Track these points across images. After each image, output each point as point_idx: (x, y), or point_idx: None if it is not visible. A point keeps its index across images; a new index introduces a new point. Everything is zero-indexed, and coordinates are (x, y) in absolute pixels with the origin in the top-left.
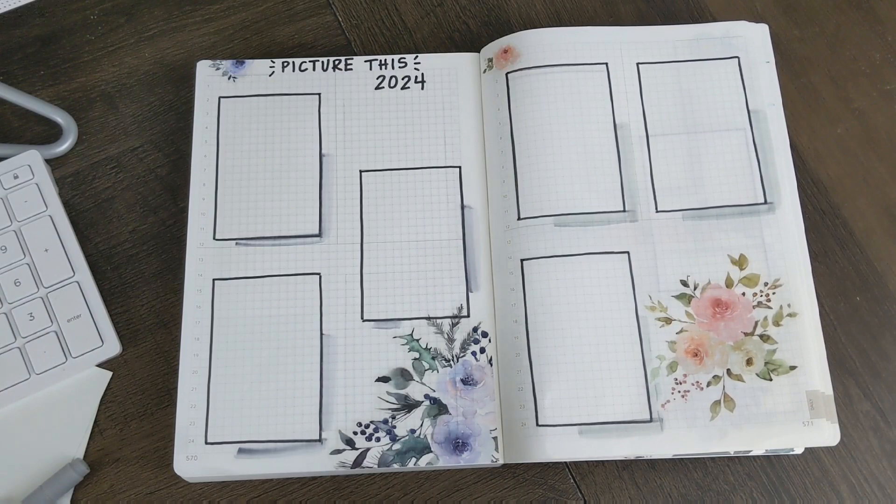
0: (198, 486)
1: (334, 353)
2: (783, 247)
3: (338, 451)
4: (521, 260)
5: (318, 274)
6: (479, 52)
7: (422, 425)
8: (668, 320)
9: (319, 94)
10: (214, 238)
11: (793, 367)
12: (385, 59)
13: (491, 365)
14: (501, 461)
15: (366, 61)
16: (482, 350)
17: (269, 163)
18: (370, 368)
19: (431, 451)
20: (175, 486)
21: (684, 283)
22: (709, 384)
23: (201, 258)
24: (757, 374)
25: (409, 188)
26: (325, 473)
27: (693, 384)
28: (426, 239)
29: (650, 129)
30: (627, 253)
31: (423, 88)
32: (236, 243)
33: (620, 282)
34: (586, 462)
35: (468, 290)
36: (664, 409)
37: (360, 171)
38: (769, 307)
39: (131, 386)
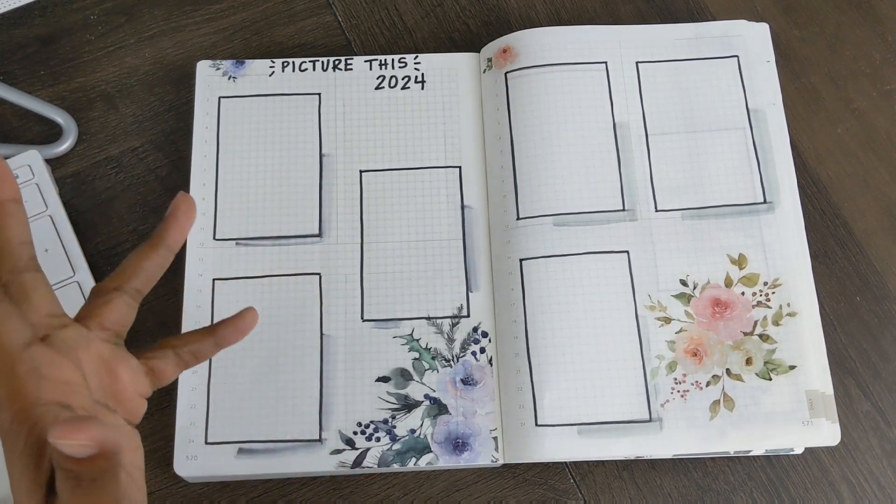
0: (198, 486)
1: (334, 353)
2: (782, 246)
3: (338, 451)
4: (521, 260)
5: (318, 274)
6: (479, 52)
7: (422, 425)
8: (668, 320)
9: (319, 94)
10: (214, 238)
11: (792, 367)
12: (385, 59)
13: (491, 365)
14: (501, 461)
15: (366, 61)
16: (482, 350)
17: (269, 163)
18: (370, 368)
19: (431, 451)
20: (175, 486)
21: (684, 283)
22: (708, 384)
23: (201, 258)
24: (756, 374)
25: (409, 188)
26: (325, 473)
27: (692, 384)
28: (426, 239)
29: (650, 128)
30: (627, 252)
31: (423, 88)
32: (236, 243)
33: (620, 281)
34: (586, 462)
35: (468, 290)
36: (663, 408)
37: (360, 171)
38: (768, 307)
39: None
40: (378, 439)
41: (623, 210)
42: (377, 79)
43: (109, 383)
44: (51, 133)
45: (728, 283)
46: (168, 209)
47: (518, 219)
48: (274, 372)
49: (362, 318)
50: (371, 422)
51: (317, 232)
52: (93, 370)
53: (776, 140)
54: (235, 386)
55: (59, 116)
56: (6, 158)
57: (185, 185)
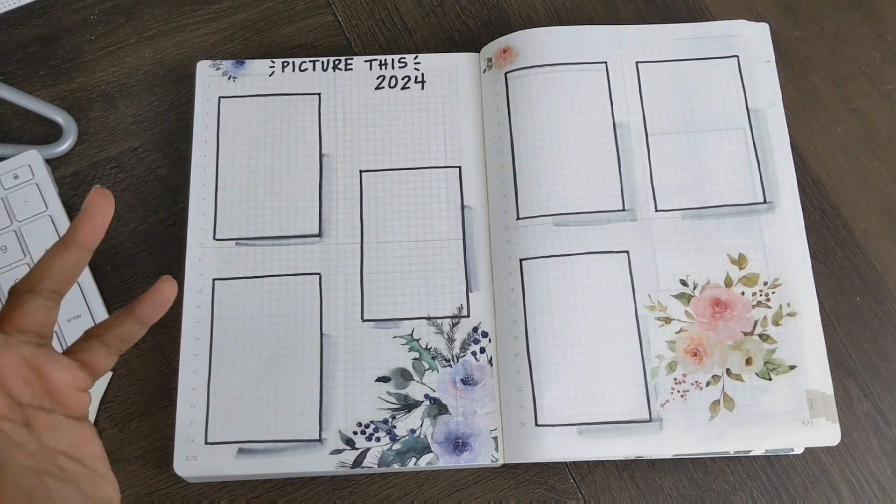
0: (198, 486)
1: (334, 353)
2: (782, 246)
3: (338, 451)
4: (521, 260)
5: (318, 274)
6: (479, 52)
7: (422, 425)
8: (668, 320)
9: (319, 94)
10: (214, 238)
11: (792, 367)
12: (385, 59)
13: (491, 365)
14: (501, 461)
15: (366, 61)
16: (482, 350)
17: (269, 163)
18: (370, 368)
19: (431, 451)
20: (175, 486)
21: (684, 283)
22: (708, 384)
23: (201, 258)
24: (756, 374)
25: (409, 188)
26: (325, 473)
27: (692, 384)
28: (426, 239)
29: (649, 128)
30: (627, 252)
31: (423, 88)
32: (236, 243)
33: (620, 281)
34: (586, 462)
35: (468, 290)
36: (663, 408)
37: (360, 171)
38: (768, 307)
39: (131, 386)
40: (378, 439)
41: (623, 210)
42: (377, 79)
43: (39, 384)
44: (51, 133)
45: (728, 283)
46: (84, 204)
47: (518, 219)
48: (274, 372)
49: (362, 318)
50: (371, 422)
51: (317, 232)
52: (16, 374)
53: (776, 140)
54: (235, 386)
55: (59, 116)
56: (6, 158)
57: (185, 185)
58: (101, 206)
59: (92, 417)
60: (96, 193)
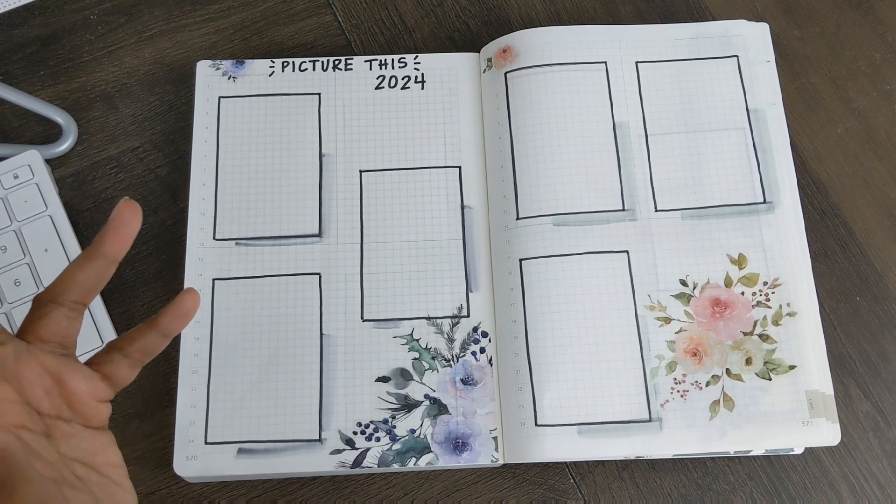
0: (198, 486)
1: (334, 353)
2: (782, 246)
3: (338, 451)
4: (520, 260)
5: (318, 274)
6: (479, 52)
7: (422, 425)
8: (668, 320)
9: (319, 94)
10: (214, 238)
11: (792, 367)
12: (385, 59)
13: (491, 365)
14: (501, 461)
15: (366, 61)
16: (482, 350)
17: (269, 163)
18: (370, 368)
19: (431, 451)
20: (175, 486)
21: (683, 283)
22: (708, 384)
23: (201, 258)
24: (756, 374)
25: (409, 188)
26: (325, 473)
27: (692, 384)
28: (426, 239)
29: (649, 128)
30: (626, 252)
31: (423, 88)
32: (236, 243)
33: (619, 281)
34: (586, 462)
35: (468, 290)
36: (663, 408)
37: (360, 171)
38: (768, 307)
39: (131, 386)
40: (378, 439)
41: (623, 210)
42: (377, 79)
43: (59, 393)
44: (51, 133)
45: (728, 283)
46: (111, 215)
47: (518, 219)
48: (274, 372)
49: (362, 318)
50: (371, 422)
51: (317, 232)
52: (36, 382)
53: (776, 140)
54: (235, 386)
55: (59, 116)
56: (6, 158)
57: (185, 185)
58: (129, 218)
59: None
60: (125, 204)
